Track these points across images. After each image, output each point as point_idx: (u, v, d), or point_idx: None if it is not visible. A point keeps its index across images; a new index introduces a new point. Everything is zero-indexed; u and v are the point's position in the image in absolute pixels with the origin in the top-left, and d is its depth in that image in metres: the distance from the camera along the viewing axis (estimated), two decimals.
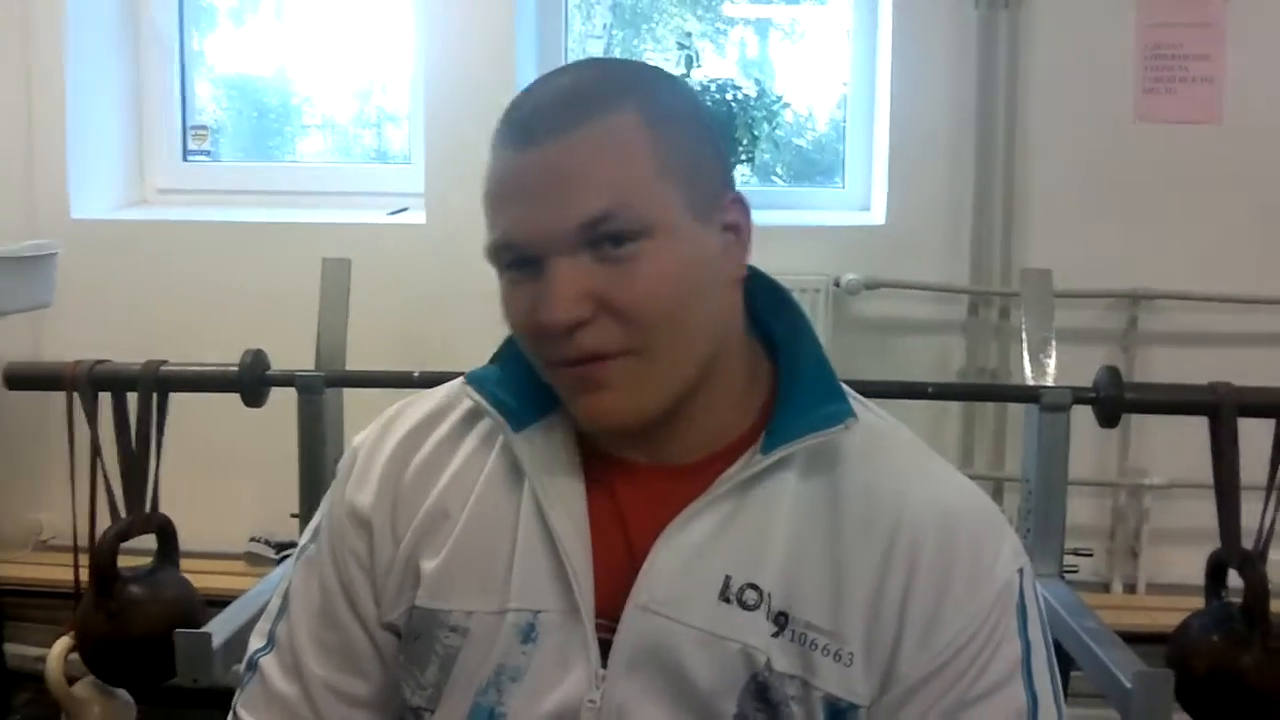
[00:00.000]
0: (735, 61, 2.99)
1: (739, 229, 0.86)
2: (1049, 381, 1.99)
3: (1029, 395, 1.97)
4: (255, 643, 0.97)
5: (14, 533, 2.69)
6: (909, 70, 2.60)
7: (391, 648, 0.92)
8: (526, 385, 0.88)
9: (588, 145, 0.79)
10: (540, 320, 0.79)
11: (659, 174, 0.80)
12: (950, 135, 2.60)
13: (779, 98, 2.78)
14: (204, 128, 3.00)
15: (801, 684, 0.82)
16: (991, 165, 2.58)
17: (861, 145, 2.79)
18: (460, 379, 0.93)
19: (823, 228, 2.69)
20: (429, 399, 0.96)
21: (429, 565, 0.88)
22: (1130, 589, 2.63)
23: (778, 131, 2.78)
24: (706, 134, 0.87)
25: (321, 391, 2.01)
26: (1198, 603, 1.84)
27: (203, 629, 1.72)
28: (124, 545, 1.94)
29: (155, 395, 1.96)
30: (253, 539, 2.68)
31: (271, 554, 2.64)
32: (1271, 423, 1.82)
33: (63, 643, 2.06)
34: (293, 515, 2.07)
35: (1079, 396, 1.92)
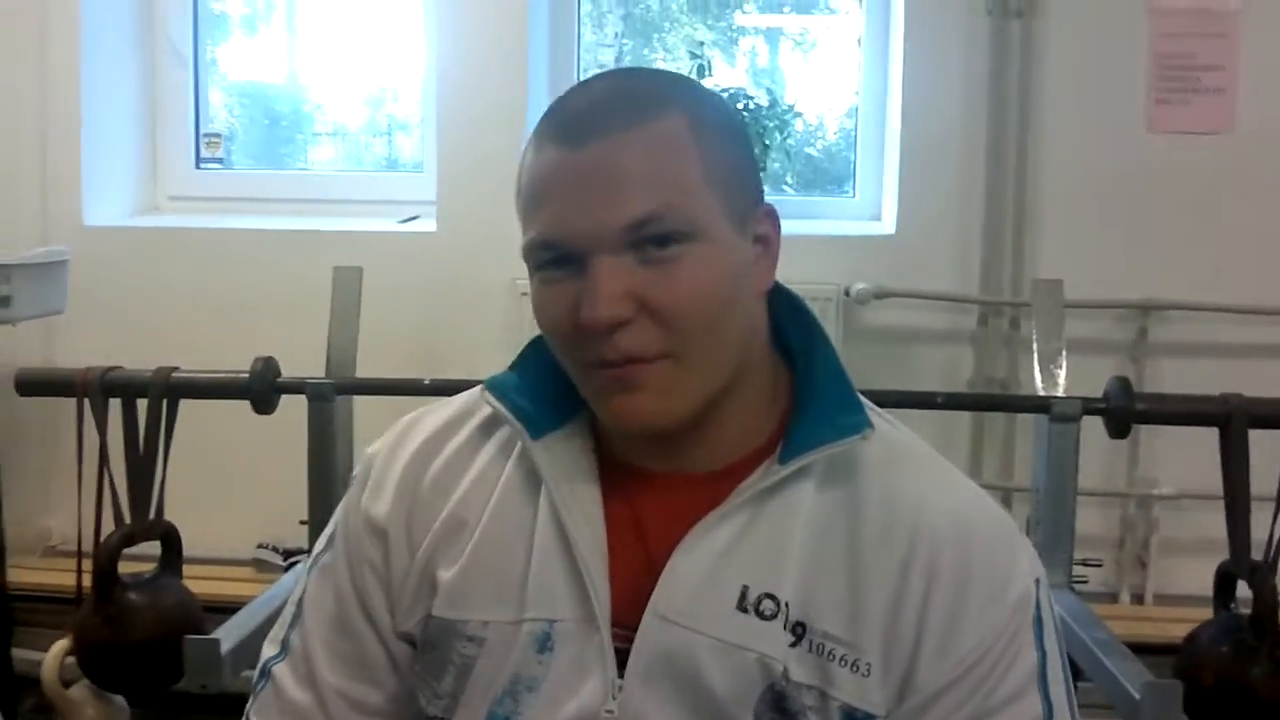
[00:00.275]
0: (746, 71, 2.99)
1: (769, 241, 0.87)
2: (1059, 392, 1.99)
3: (1039, 405, 1.97)
4: (269, 650, 0.97)
5: (24, 538, 2.69)
6: (920, 80, 2.59)
7: (406, 657, 0.92)
8: (546, 392, 0.89)
9: (639, 146, 0.80)
10: (582, 318, 0.79)
11: (704, 180, 0.81)
12: (961, 145, 2.59)
13: (790, 107, 2.78)
14: (216, 135, 3.00)
15: (819, 694, 0.81)
16: (1002, 175, 2.58)
17: (872, 155, 2.78)
18: (479, 386, 0.92)
19: (833, 237, 2.68)
20: (446, 406, 0.96)
21: (445, 575, 0.88)
22: (1139, 599, 2.61)
23: (788, 141, 2.78)
24: (745, 145, 0.88)
25: (332, 399, 2.02)
26: (1206, 614, 1.83)
27: (211, 635, 1.72)
28: (131, 552, 1.95)
29: (165, 402, 1.97)
30: (261, 546, 2.68)
31: (280, 561, 2.64)
32: None
33: (60, 645, 2.06)
34: (301, 522, 2.08)
35: (1089, 407, 1.92)
